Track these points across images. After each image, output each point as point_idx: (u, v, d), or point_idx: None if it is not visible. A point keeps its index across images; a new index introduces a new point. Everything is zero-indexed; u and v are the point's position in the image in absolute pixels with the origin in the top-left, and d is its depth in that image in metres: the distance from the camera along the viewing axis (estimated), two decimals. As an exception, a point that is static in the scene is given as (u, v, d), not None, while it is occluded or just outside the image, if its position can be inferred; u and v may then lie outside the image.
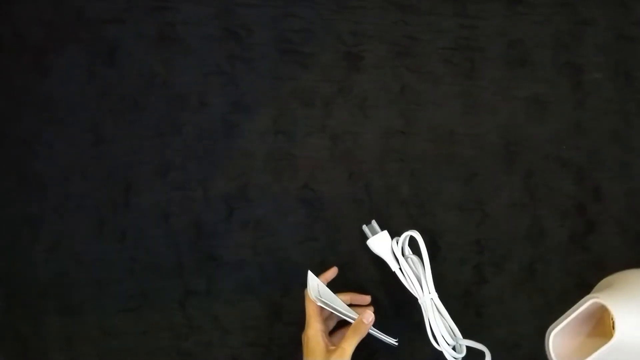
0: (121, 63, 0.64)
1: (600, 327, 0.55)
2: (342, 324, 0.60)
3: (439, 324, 0.56)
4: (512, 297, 0.62)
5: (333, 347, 0.56)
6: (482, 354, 0.56)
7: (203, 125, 0.64)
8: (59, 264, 0.62)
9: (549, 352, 0.51)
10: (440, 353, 0.56)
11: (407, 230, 0.61)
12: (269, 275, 0.62)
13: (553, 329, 0.51)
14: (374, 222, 0.61)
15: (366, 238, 0.61)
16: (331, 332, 0.60)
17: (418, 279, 0.58)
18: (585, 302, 0.51)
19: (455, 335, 0.57)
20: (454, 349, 0.57)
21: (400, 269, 0.59)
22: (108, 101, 0.64)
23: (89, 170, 0.63)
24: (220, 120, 0.64)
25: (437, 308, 0.57)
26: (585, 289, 0.61)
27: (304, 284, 0.58)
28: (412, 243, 0.59)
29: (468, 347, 0.57)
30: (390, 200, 0.63)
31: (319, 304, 0.57)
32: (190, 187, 0.63)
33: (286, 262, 0.62)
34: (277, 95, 0.64)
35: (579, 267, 0.62)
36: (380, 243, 0.60)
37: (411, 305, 0.60)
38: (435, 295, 0.57)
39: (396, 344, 0.59)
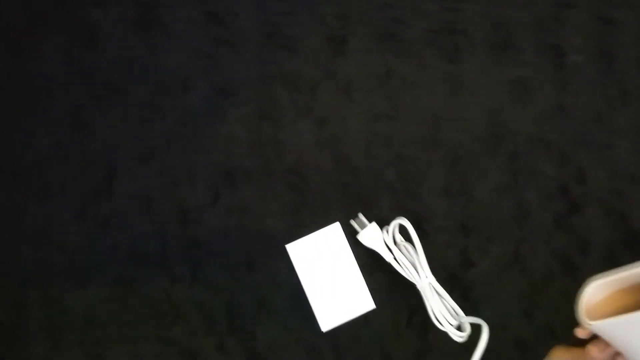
0: (102, 47, 0.67)
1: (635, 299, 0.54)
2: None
3: (440, 305, 0.60)
4: (497, 279, 0.66)
5: None
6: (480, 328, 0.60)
7: (187, 110, 0.66)
8: (41, 252, 0.65)
9: (581, 303, 0.50)
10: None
11: (393, 215, 0.65)
12: (255, 262, 0.65)
13: (593, 281, 0.50)
14: (361, 215, 0.65)
15: (355, 232, 0.64)
16: None
17: (413, 264, 0.62)
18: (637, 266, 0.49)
19: (457, 314, 0.61)
20: (458, 328, 0.61)
21: (394, 258, 0.63)
22: (89, 86, 0.67)
23: (70, 156, 0.66)
24: (205, 105, 0.67)
25: (435, 290, 0.61)
26: (569, 270, 0.65)
27: (290, 270, 0.61)
28: (401, 229, 0.63)
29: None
30: (376, 185, 0.66)
31: None
32: (174, 173, 0.66)
33: (272, 248, 0.65)
34: (262, 80, 0.67)
35: (563, 249, 0.66)
36: (370, 236, 0.64)
37: (409, 288, 0.63)
38: (432, 278, 0.62)
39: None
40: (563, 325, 0.65)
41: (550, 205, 0.67)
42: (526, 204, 0.67)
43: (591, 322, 0.46)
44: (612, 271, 0.50)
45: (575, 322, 0.63)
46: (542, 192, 0.67)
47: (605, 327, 0.47)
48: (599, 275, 0.50)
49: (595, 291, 0.49)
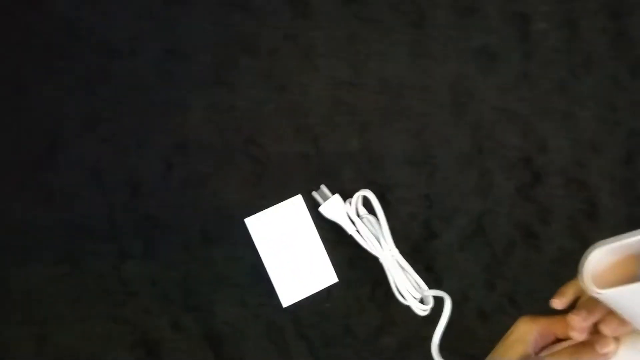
0: (44, 7, 0.63)
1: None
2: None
3: (403, 279, 0.59)
4: (460, 251, 0.66)
5: None
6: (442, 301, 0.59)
7: (136, 74, 0.64)
8: None
9: (586, 270, 0.47)
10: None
11: (357, 186, 0.64)
12: (211, 236, 0.63)
13: (597, 247, 0.47)
14: (323, 187, 0.64)
15: (317, 204, 0.63)
16: None
17: (376, 237, 0.62)
18: None
19: (420, 287, 0.60)
20: (421, 301, 0.60)
21: (357, 231, 0.62)
22: (30, 48, 0.63)
23: (10, 124, 0.62)
24: (154, 69, 0.64)
25: (399, 264, 0.60)
26: (531, 240, 0.65)
27: (249, 244, 0.59)
28: (365, 201, 0.62)
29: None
30: (339, 155, 0.65)
31: None
32: (123, 141, 0.63)
33: (230, 222, 0.63)
34: (218, 42, 0.65)
35: (525, 219, 0.67)
36: (333, 208, 0.63)
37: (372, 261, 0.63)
38: (395, 251, 0.61)
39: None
40: (525, 294, 0.66)
41: (513, 175, 0.67)
42: (489, 175, 0.67)
43: (600, 291, 0.46)
44: (617, 237, 0.49)
45: (537, 292, 0.65)
46: (505, 162, 0.67)
47: (616, 295, 0.46)
48: (603, 241, 0.49)
49: (600, 258, 0.48)
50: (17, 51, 0.62)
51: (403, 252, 0.64)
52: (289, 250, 0.64)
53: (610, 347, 0.47)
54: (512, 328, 0.51)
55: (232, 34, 0.65)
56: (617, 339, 0.48)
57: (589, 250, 0.48)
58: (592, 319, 0.47)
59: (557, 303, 0.50)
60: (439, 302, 0.61)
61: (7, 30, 0.62)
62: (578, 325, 0.47)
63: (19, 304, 0.61)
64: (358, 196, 0.63)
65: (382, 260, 0.62)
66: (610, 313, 0.47)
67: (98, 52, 0.63)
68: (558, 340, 0.51)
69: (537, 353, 0.50)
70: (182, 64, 0.64)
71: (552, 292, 0.66)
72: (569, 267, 0.66)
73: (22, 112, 0.62)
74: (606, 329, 0.46)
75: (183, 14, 0.64)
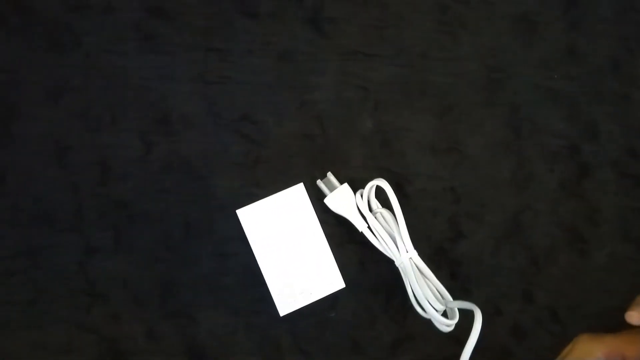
0: None
1: None
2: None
3: (423, 287, 0.51)
4: (492, 254, 0.58)
5: None
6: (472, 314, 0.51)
7: (110, 35, 0.56)
8: None
9: None
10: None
11: (369, 175, 0.57)
12: (196, 229, 0.55)
13: None
14: (330, 175, 0.56)
15: (322, 195, 0.56)
16: None
17: (391, 236, 0.54)
18: None
19: (443, 297, 0.52)
20: (444, 314, 0.52)
21: (369, 227, 0.55)
22: None
23: None
24: (133, 29, 0.56)
25: (418, 268, 0.52)
26: (577, 243, 0.56)
27: (241, 240, 0.50)
28: (379, 193, 0.54)
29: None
30: (349, 137, 0.57)
31: None
32: (93, 115, 0.55)
33: (219, 213, 0.55)
34: (209, 1, 0.56)
35: (571, 218, 0.58)
36: (341, 200, 0.55)
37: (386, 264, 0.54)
38: (414, 253, 0.53)
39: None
40: (569, 308, 0.57)
41: (557, 166, 0.59)
42: (528, 165, 0.59)
43: None
44: None
45: (583, 305, 0.57)
46: (547, 150, 0.59)
47: None
48: None
49: None
50: (-35, 1, 0.54)
51: (423, 255, 0.55)
52: (288, 248, 0.55)
53: None
54: (569, 348, 0.42)
55: (226, -9, 0.56)
56: None
57: None
58: None
59: (635, 317, 0.41)
60: (466, 315, 0.52)
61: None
62: None
63: (-38, 304, 0.52)
64: (371, 187, 0.54)
65: (397, 264, 0.53)
66: None
67: (65, 7, 0.55)
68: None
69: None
70: (167, 25, 0.56)
71: (601, 304, 0.57)
72: (622, 276, 0.57)
73: (-29, 75, 0.53)
74: None
75: (169, -33, 0.55)
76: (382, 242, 0.54)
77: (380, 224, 0.54)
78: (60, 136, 0.54)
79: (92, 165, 0.54)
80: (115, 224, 0.54)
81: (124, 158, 0.54)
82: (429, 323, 0.54)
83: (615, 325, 0.50)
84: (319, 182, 0.55)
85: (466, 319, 0.52)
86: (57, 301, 0.53)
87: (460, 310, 0.52)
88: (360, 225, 0.55)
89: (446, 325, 0.52)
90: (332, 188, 0.55)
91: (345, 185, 0.55)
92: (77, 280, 0.54)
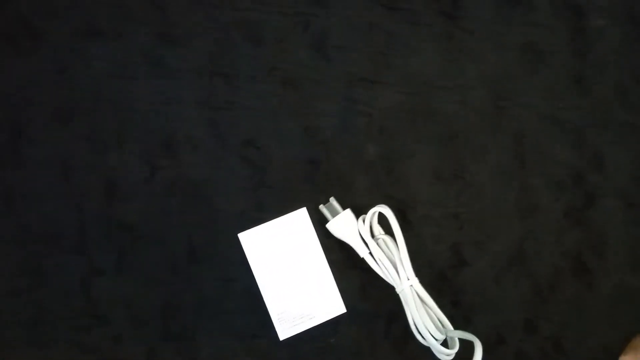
0: None
1: None
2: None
3: (423, 315, 0.50)
4: (495, 282, 0.57)
5: None
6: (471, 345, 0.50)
7: (119, 59, 0.56)
8: None
9: None
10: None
11: (372, 201, 0.57)
12: (198, 252, 0.56)
13: None
14: (332, 200, 0.56)
15: (325, 220, 0.56)
16: None
17: (393, 263, 0.54)
18: None
19: (444, 326, 0.51)
20: (444, 343, 0.51)
21: (370, 253, 0.54)
22: None
23: None
24: (141, 55, 0.57)
25: (419, 296, 0.51)
26: (582, 273, 0.55)
27: (243, 264, 0.50)
28: (381, 219, 0.55)
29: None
30: (352, 163, 0.57)
31: None
32: (100, 137, 0.56)
33: (222, 237, 0.55)
34: (216, 27, 0.57)
35: (575, 248, 0.58)
36: (343, 225, 0.55)
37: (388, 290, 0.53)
38: (415, 281, 0.53)
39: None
40: (573, 339, 0.57)
41: (561, 195, 0.58)
42: (532, 193, 0.58)
43: None
44: None
45: (589, 337, 0.57)
46: (552, 179, 0.58)
47: None
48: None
49: None
50: (-21, 25, 0.55)
51: (425, 282, 0.55)
52: (290, 273, 0.55)
53: None
54: None
55: (233, 18, 0.57)
56: None
57: None
58: None
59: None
60: (467, 345, 0.51)
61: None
62: None
63: (-33, 322, 0.53)
64: (373, 213, 0.54)
65: (398, 291, 0.53)
66: None
67: (77, 31, 0.56)
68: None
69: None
70: (174, 50, 0.57)
71: (607, 336, 0.56)
72: (629, 307, 0.56)
73: (-18, 97, 0.54)
74: None
75: (178, -7, 0.56)
76: (383, 269, 0.54)
77: (382, 250, 0.54)
78: (67, 158, 0.55)
79: (98, 187, 0.55)
80: (119, 245, 0.55)
81: (129, 180, 0.55)
82: (430, 350, 0.54)
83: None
84: (322, 207, 0.56)
85: (468, 348, 0.51)
86: (60, 321, 0.54)
87: (461, 340, 0.52)
88: (362, 251, 0.55)
89: (446, 354, 0.51)
90: (334, 213, 0.55)
91: (348, 210, 0.55)
92: (79, 301, 0.54)
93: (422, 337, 0.52)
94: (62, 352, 0.53)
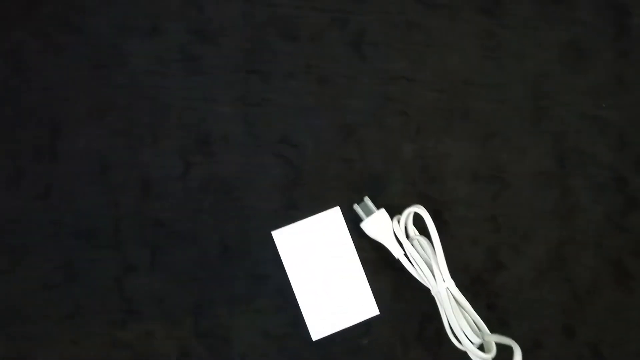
0: None
1: None
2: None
3: (459, 318, 0.49)
4: (533, 286, 0.57)
5: None
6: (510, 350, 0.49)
7: (155, 56, 0.57)
8: None
9: None
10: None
11: (407, 201, 0.56)
12: (232, 250, 0.56)
13: None
14: (367, 199, 0.56)
15: (358, 219, 0.55)
16: None
17: (428, 264, 0.53)
18: None
19: (480, 330, 0.50)
20: (480, 347, 0.51)
21: (405, 254, 0.54)
22: (32, 19, 0.56)
23: (7, 105, 0.55)
24: (178, 52, 0.57)
25: (455, 299, 0.51)
26: (622, 278, 0.54)
27: (276, 262, 0.51)
28: (416, 219, 0.54)
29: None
30: (388, 162, 0.57)
31: None
32: (136, 134, 0.56)
33: (255, 234, 0.55)
34: (252, 24, 0.57)
35: (615, 252, 0.57)
36: (377, 225, 0.55)
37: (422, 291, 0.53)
38: (451, 283, 0.52)
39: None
40: (612, 345, 0.56)
41: (603, 198, 0.57)
42: (573, 196, 0.57)
43: None
44: None
45: (627, 342, 0.55)
46: (594, 181, 0.57)
47: None
48: None
49: None
50: (18, 24, 0.56)
51: (460, 284, 0.55)
52: (323, 272, 0.54)
53: None
54: None
55: (269, 15, 0.57)
56: None
57: None
58: None
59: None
60: (504, 349, 0.50)
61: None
62: None
63: (4, 316, 0.54)
64: (408, 213, 0.53)
65: (434, 293, 0.52)
66: None
67: (114, 28, 0.56)
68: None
69: None
70: (209, 47, 0.57)
71: None
72: None
73: (21, 93, 0.56)
74: None
75: (214, -10, 0.56)
76: (418, 270, 0.53)
77: (417, 251, 0.53)
78: (103, 154, 0.55)
79: (133, 184, 0.55)
80: (153, 242, 0.55)
81: (163, 177, 0.55)
82: (464, 355, 0.53)
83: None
84: (356, 207, 0.55)
85: (503, 352, 0.50)
86: (94, 316, 0.54)
87: (497, 344, 0.51)
88: (397, 252, 0.54)
89: (482, 359, 0.51)
90: (368, 213, 0.55)
91: (382, 210, 0.54)
92: (113, 296, 0.54)
93: (458, 340, 0.51)
94: (96, 347, 0.54)
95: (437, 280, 0.52)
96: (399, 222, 0.54)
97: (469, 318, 0.52)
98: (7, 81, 0.55)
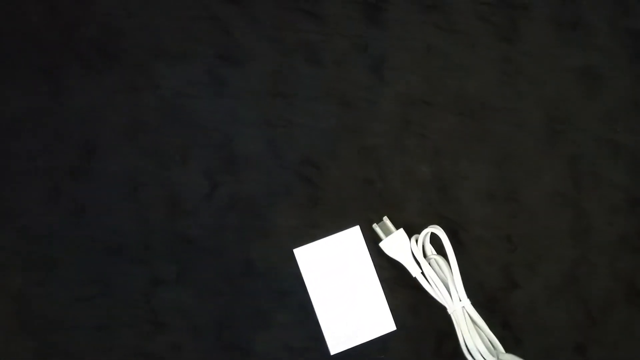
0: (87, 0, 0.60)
1: None
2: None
3: (475, 337, 0.51)
4: (547, 305, 0.58)
5: None
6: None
7: (185, 79, 0.59)
8: (1, 239, 0.57)
9: None
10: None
11: (425, 221, 0.58)
12: (255, 266, 0.58)
13: None
14: (386, 220, 0.58)
15: (378, 238, 0.57)
16: None
17: (445, 284, 0.55)
18: None
19: (495, 348, 0.52)
20: None
21: (422, 273, 0.56)
22: (71, 43, 0.59)
23: (44, 126, 0.58)
24: (206, 75, 0.59)
25: (471, 318, 0.52)
26: (635, 299, 0.55)
27: (297, 278, 0.52)
28: (434, 238, 0.56)
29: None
30: (406, 183, 0.59)
31: None
32: (165, 154, 0.58)
33: (277, 252, 0.58)
34: (277, 49, 0.60)
35: (629, 273, 0.58)
36: (396, 245, 0.57)
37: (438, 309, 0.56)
38: (467, 302, 0.54)
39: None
40: None
41: (617, 219, 0.59)
42: (587, 217, 0.59)
43: None
44: None
45: None
46: (608, 203, 0.59)
47: None
48: None
49: None
50: (56, 48, 0.59)
51: (476, 302, 0.56)
52: (342, 289, 0.56)
53: None
54: None
55: (294, 40, 0.59)
56: None
57: None
58: None
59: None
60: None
61: (46, 24, 0.59)
62: None
63: (36, 325, 0.57)
64: (426, 233, 0.56)
65: (450, 311, 0.54)
66: None
67: (147, 53, 0.59)
68: None
69: None
70: (236, 71, 0.59)
71: None
72: None
73: (58, 115, 0.59)
74: None
75: (242, 15, 0.59)
76: (435, 289, 0.55)
77: (434, 270, 0.55)
78: (134, 173, 0.58)
79: (162, 201, 0.58)
80: (181, 257, 0.57)
81: (191, 195, 0.58)
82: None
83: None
84: (375, 226, 0.57)
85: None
86: (123, 328, 0.57)
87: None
88: (414, 271, 0.56)
89: (496, 376, 0.52)
90: (387, 232, 0.57)
91: (401, 230, 0.56)
92: (142, 309, 0.57)
93: (473, 358, 0.53)
94: (124, 357, 0.57)
95: (453, 299, 0.54)
96: (416, 241, 0.56)
97: (485, 337, 0.53)
98: (47, 103, 0.58)
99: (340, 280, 0.57)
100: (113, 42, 0.59)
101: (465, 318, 0.53)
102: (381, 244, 0.57)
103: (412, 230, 0.57)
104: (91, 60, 0.59)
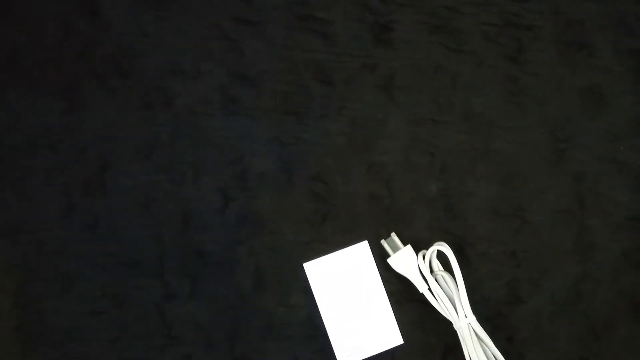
0: (105, 17, 0.61)
1: None
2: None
3: (480, 353, 0.52)
4: (550, 320, 0.59)
5: None
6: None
7: (198, 97, 0.60)
8: (17, 252, 0.59)
9: None
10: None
11: (432, 236, 0.60)
12: (266, 280, 0.59)
13: None
14: (394, 236, 0.59)
15: (385, 254, 0.59)
16: None
17: (451, 300, 0.56)
18: None
19: None
20: None
21: (429, 289, 0.57)
22: (87, 62, 0.60)
23: (59, 143, 0.60)
24: (219, 93, 0.61)
25: (476, 333, 0.53)
26: (638, 314, 0.57)
27: (307, 292, 0.54)
28: (441, 254, 0.58)
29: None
30: (414, 200, 0.60)
31: None
32: (178, 170, 0.60)
33: (287, 266, 0.59)
34: (289, 68, 0.61)
35: (632, 289, 0.60)
36: (403, 261, 0.58)
37: (444, 323, 0.56)
38: (472, 318, 0.55)
39: None
40: None
41: (619, 236, 0.60)
42: (590, 234, 0.60)
43: None
44: None
45: None
46: (611, 221, 0.60)
47: None
48: None
49: None
50: (73, 66, 0.60)
51: (481, 318, 0.58)
52: (350, 303, 0.58)
53: None
54: None
55: (305, 60, 0.61)
56: None
57: None
58: None
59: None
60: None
61: (62, 40, 0.60)
62: None
63: (53, 338, 0.58)
64: (433, 250, 0.57)
65: (456, 327, 0.56)
66: None
67: (160, 71, 0.61)
68: None
69: None
70: (248, 89, 0.60)
71: None
72: None
73: (73, 131, 0.60)
74: None
75: (254, 36, 0.61)
76: (441, 305, 0.56)
77: (441, 286, 0.57)
78: (148, 188, 0.59)
79: (175, 217, 0.59)
80: (193, 271, 0.59)
81: (204, 211, 0.59)
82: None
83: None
84: (383, 242, 0.58)
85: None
86: (137, 341, 0.58)
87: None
88: (421, 287, 0.57)
89: (500, 391, 0.54)
90: (395, 248, 0.58)
91: (409, 247, 0.58)
92: (155, 322, 0.58)
93: (478, 373, 0.54)
94: (138, 369, 0.58)
95: (459, 315, 0.55)
96: (423, 257, 0.57)
97: (489, 352, 0.55)
98: (62, 119, 0.59)
99: (348, 294, 0.58)
100: (128, 61, 0.60)
101: (470, 334, 0.54)
102: (389, 260, 0.58)
103: (419, 246, 0.58)
104: (107, 79, 0.60)
